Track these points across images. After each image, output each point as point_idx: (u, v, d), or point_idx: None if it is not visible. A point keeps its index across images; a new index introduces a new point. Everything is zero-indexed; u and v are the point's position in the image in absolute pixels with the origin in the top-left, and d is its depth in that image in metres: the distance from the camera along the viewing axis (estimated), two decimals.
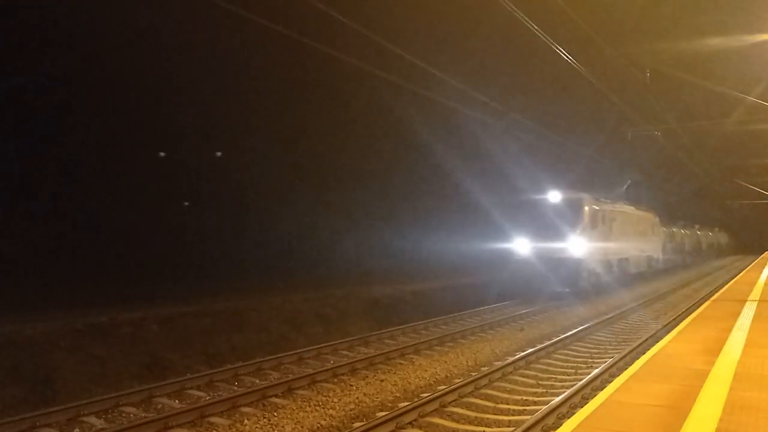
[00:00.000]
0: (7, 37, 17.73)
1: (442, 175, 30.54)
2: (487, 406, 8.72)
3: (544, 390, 9.67)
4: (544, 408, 7.90)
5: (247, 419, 8.00)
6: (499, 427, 7.88)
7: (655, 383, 6.33)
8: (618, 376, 6.94)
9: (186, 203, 24.54)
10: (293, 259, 25.63)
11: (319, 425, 7.84)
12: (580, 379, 9.61)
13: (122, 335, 11.69)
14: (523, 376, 10.46)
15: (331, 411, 8.39)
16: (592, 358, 12.06)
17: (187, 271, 20.21)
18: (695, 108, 24.08)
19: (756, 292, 16.42)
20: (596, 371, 9.95)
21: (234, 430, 7.69)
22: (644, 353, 8.35)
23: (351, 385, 9.65)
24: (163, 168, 22.61)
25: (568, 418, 5.73)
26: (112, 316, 12.24)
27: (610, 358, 11.43)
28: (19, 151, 19.35)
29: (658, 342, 9.18)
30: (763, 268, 28.48)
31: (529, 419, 7.44)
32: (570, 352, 12.54)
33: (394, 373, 10.45)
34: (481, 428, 7.84)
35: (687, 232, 44.53)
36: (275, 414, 8.20)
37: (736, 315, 11.49)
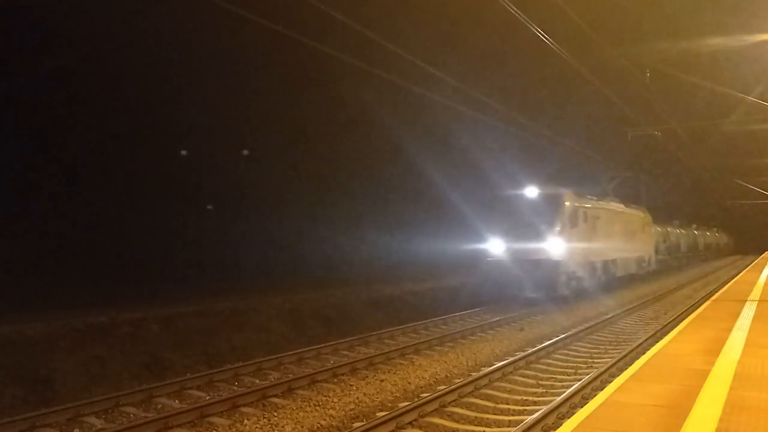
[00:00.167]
0: (7, 37, 17.75)
1: (414, 171, 29.36)
2: (487, 406, 8.72)
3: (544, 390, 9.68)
4: (544, 408, 7.90)
5: (247, 419, 8.00)
6: (499, 427, 7.88)
7: (655, 383, 6.33)
8: (617, 376, 6.94)
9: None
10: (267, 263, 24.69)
11: (319, 425, 7.84)
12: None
13: (122, 335, 11.68)
14: (523, 376, 10.47)
15: (331, 411, 8.39)
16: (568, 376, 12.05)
17: (176, 271, 20.05)
18: (695, 108, 24.08)
19: (756, 292, 16.42)
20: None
21: (234, 430, 7.69)
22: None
23: (351, 385, 9.65)
24: (162, 168, 22.54)
25: (568, 418, 5.73)
26: (112, 316, 12.24)
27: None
28: (19, 150, 19.36)
29: (657, 342, 9.18)
30: (763, 268, 28.48)
31: (529, 419, 7.44)
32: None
33: (394, 373, 10.45)
34: (481, 428, 7.84)
35: (683, 231, 43.19)
36: (275, 414, 8.20)
37: (736, 315, 11.49)
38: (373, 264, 26.94)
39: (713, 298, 16.21)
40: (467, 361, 11.49)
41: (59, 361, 10.21)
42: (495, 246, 18.93)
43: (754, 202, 49.03)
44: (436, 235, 29.08)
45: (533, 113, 26.15)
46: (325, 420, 8.02)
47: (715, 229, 62.47)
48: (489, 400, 8.99)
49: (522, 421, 7.51)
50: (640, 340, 12.85)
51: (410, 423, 7.75)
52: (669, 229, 38.18)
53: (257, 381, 10.05)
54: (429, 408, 8.20)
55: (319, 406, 8.59)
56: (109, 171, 21.08)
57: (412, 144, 28.06)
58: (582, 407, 5.94)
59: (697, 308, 14.48)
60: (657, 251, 32.55)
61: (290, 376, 10.12)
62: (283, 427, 7.75)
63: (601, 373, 9.89)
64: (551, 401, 8.29)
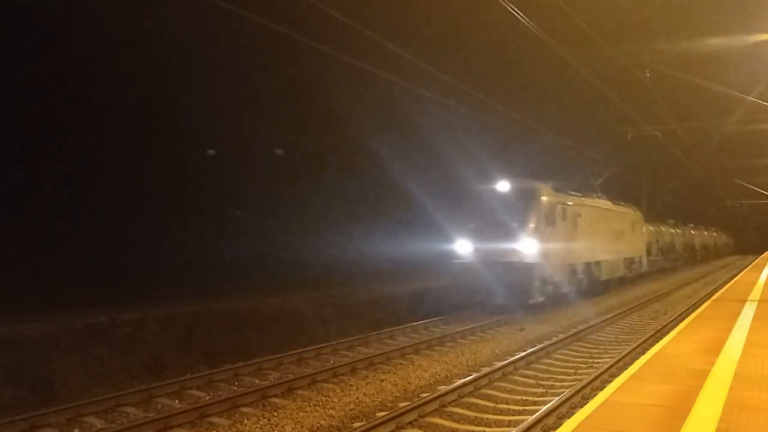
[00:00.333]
0: (7, 37, 17.75)
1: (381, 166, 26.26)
2: (487, 406, 8.72)
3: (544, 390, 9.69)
4: (544, 408, 7.90)
5: (247, 419, 7.99)
6: (499, 427, 7.88)
7: (655, 383, 6.33)
8: (618, 376, 6.95)
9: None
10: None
11: (319, 425, 7.84)
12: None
13: (122, 335, 11.69)
14: (523, 376, 10.47)
15: (331, 411, 8.39)
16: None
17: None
18: (695, 108, 24.10)
19: (756, 292, 16.43)
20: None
21: (234, 430, 7.69)
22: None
23: (351, 385, 9.65)
24: (160, 168, 22.42)
25: (568, 418, 5.73)
26: (112, 316, 12.24)
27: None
28: (20, 150, 19.37)
29: (657, 342, 9.18)
30: (763, 268, 28.49)
31: (529, 419, 7.44)
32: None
33: (394, 373, 10.45)
34: (481, 428, 7.84)
35: (678, 231, 41.41)
36: (275, 414, 8.20)
37: (736, 315, 11.50)
38: (321, 265, 24.49)
39: (713, 298, 16.23)
40: (467, 361, 11.49)
41: (59, 361, 10.22)
42: (463, 247, 17.08)
43: (754, 202, 49.03)
44: (404, 234, 26.78)
45: (529, 111, 25.95)
46: (325, 420, 8.02)
47: (713, 228, 61.14)
48: (489, 400, 8.99)
49: (522, 421, 7.51)
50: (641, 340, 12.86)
51: (410, 423, 7.75)
52: (662, 228, 36.58)
53: (257, 381, 10.05)
54: (429, 408, 8.19)
55: (319, 406, 8.59)
56: (109, 171, 21.06)
57: (372, 131, 25.22)
58: (582, 407, 5.94)
59: (697, 308, 14.49)
60: (649, 252, 30.85)
61: (290, 376, 10.12)
62: (283, 427, 7.75)
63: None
64: (551, 401, 8.30)
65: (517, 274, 16.12)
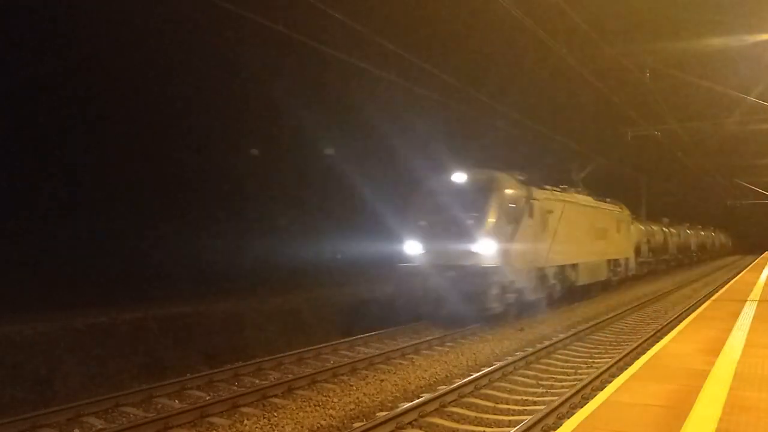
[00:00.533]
0: (7, 37, 17.74)
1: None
2: (487, 406, 8.72)
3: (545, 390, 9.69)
4: (544, 408, 7.90)
5: (247, 419, 8.00)
6: (499, 427, 7.88)
7: (655, 383, 6.33)
8: (618, 376, 6.95)
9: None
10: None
11: (319, 425, 7.84)
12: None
13: (122, 335, 11.69)
14: (523, 376, 10.47)
15: (331, 411, 8.39)
16: None
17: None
18: (695, 108, 24.09)
19: (756, 292, 16.44)
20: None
21: (234, 430, 7.69)
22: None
23: (351, 385, 9.65)
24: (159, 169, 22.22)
25: (568, 418, 5.73)
26: (112, 316, 12.24)
27: None
28: (20, 149, 19.36)
29: (657, 342, 9.18)
30: (763, 268, 28.49)
31: (529, 419, 7.44)
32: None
33: (394, 373, 10.45)
34: (481, 428, 7.85)
35: (672, 230, 39.26)
36: (275, 414, 8.20)
37: (736, 315, 11.51)
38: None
39: (713, 298, 16.24)
40: (467, 361, 11.49)
41: (59, 361, 10.22)
42: (411, 248, 14.91)
43: (754, 202, 49.05)
44: (351, 234, 23.51)
45: (532, 113, 25.58)
46: (325, 420, 8.02)
47: (711, 228, 59.70)
48: (489, 400, 8.99)
49: (522, 421, 7.52)
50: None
51: (410, 423, 7.75)
52: (654, 227, 34.39)
53: (257, 381, 10.05)
54: (429, 408, 8.20)
55: (319, 406, 8.59)
56: (110, 171, 21.04)
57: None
58: (582, 407, 5.94)
59: (698, 308, 14.50)
60: (639, 253, 28.76)
61: (290, 376, 10.12)
62: (283, 427, 7.75)
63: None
64: (551, 401, 8.30)
65: (472, 279, 13.88)
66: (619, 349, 12.72)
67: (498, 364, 10.74)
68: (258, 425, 7.78)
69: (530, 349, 12.13)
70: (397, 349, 12.07)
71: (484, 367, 10.89)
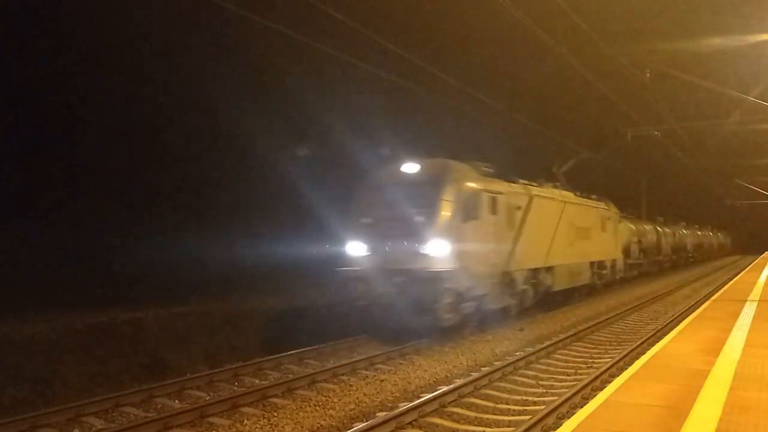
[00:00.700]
0: (7, 37, 17.74)
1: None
2: (487, 406, 8.72)
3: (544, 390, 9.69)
4: (544, 408, 7.90)
5: (247, 419, 8.00)
6: (499, 427, 7.89)
7: (655, 383, 6.33)
8: (618, 376, 6.95)
9: None
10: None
11: (319, 425, 7.84)
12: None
13: (122, 335, 11.69)
14: (523, 377, 10.48)
15: (331, 411, 8.39)
16: None
17: None
18: (695, 108, 24.08)
19: (756, 292, 16.44)
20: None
21: (234, 430, 7.69)
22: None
23: (351, 385, 9.66)
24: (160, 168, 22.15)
25: (568, 418, 5.73)
26: (112, 316, 12.24)
27: None
28: (20, 149, 19.35)
29: (657, 342, 9.19)
30: (763, 268, 28.49)
31: (529, 419, 7.44)
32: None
33: (394, 373, 10.45)
34: (481, 428, 7.85)
35: (667, 230, 37.56)
36: (275, 414, 8.20)
37: (736, 315, 11.51)
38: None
39: (713, 298, 16.24)
40: (467, 361, 11.49)
41: (59, 361, 10.22)
42: (354, 249, 13.04)
43: (754, 202, 49.06)
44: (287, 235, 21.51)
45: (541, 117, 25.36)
46: (325, 420, 8.02)
47: (709, 227, 58.63)
48: (489, 400, 9.00)
49: (522, 421, 7.52)
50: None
51: (410, 423, 7.75)
52: (646, 226, 32.53)
53: (257, 381, 10.05)
54: (429, 408, 8.20)
55: (319, 406, 8.59)
56: (110, 172, 21.04)
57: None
58: (582, 407, 5.94)
59: (698, 308, 14.50)
60: (628, 254, 26.86)
61: (290, 376, 10.12)
62: (283, 427, 7.75)
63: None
64: (551, 401, 8.30)
65: (421, 286, 12.04)
66: (619, 349, 12.72)
67: (498, 364, 10.75)
68: (258, 425, 7.78)
69: (530, 349, 12.13)
70: (397, 349, 12.05)
71: (484, 367, 10.89)
